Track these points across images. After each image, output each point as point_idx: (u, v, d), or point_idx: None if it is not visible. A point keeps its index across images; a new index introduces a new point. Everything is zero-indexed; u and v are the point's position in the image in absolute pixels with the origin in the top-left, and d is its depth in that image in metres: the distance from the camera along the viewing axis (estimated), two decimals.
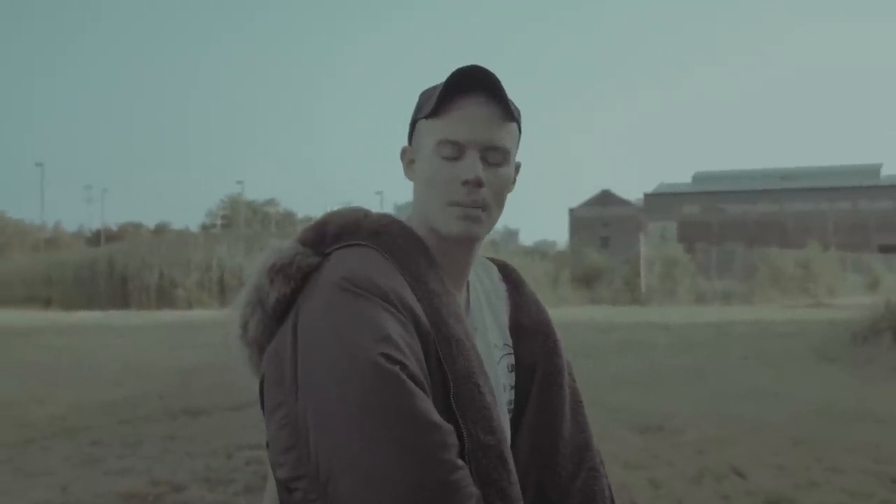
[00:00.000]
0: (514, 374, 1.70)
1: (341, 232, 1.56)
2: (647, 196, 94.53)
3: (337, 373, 1.33)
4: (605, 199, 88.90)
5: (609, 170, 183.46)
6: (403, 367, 1.33)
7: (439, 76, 1.59)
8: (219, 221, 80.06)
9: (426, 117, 1.60)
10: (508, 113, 1.59)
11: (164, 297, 31.20)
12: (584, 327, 19.40)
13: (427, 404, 1.32)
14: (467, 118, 1.56)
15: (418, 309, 1.45)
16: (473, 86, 1.57)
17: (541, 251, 49.10)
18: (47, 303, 32.27)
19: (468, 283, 1.70)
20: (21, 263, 39.93)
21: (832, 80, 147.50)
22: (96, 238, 70.82)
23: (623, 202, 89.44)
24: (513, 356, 1.71)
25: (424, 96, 1.63)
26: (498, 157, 1.58)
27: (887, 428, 8.61)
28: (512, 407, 1.68)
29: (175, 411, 9.56)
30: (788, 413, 9.37)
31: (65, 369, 13.24)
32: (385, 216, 1.61)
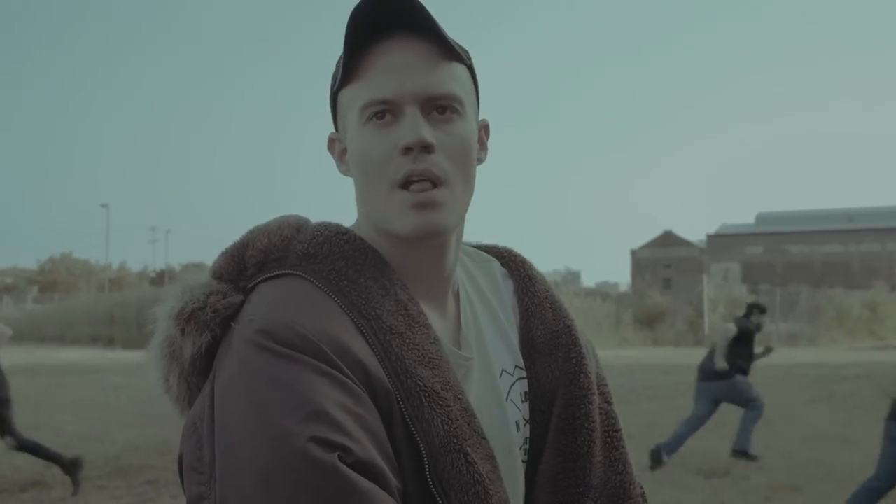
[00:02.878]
0: (528, 403, 1.33)
1: (264, 259, 1.21)
2: (709, 237, 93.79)
3: (260, 466, 1.00)
4: (668, 240, 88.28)
5: (671, 211, 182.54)
6: (346, 452, 0.99)
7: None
8: None
9: (343, 85, 1.24)
10: (448, 49, 1.21)
11: None
12: (647, 369, 19.18)
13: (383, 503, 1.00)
14: (393, 67, 1.19)
15: (369, 359, 1.10)
16: (389, 25, 1.19)
17: (602, 293, 48.76)
18: (110, 342, 32.61)
19: (456, 291, 1.34)
20: (86, 302, 40.54)
21: None
22: (160, 278, 71.75)
23: (685, 243, 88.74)
24: (526, 381, 1.34)
25: (337, 63, 1.26)
26: (449, 105, 1.20)
27: None
28: (527, 446, 1.32)
29: None
30: (858, 458, 9.08)
31: (123, 408, 13.28)
32: (324, 227, 1.24)
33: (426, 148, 1.17)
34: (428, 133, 1.17)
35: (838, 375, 18.15)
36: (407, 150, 1.17)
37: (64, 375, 18.99)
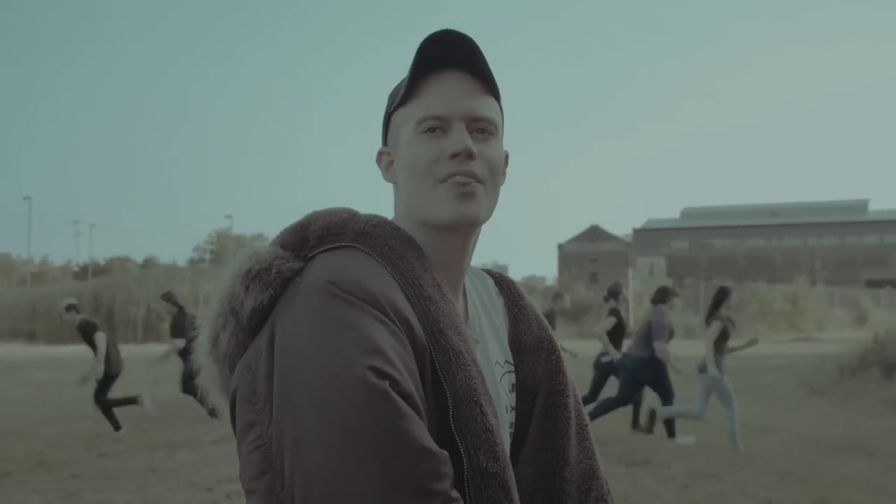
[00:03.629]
0: (514, 394, 1.54)
1: (325, 234, 1.38)
2: (635, 231, 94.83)
3: (317, 389, 1.15)
4: (594, 234, 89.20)
5: (598, 205, 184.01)
6: (395, 383, 1.15)
7: None
8: (207, 256, 80.00)
9: (400, 106, 1.46)
10: (491, 87, 1.47)
11: (150, 330, 31.07)
12: (573, 361, 19.31)
13: (419, 427, 1.15)
14: (445, 94, 1.42)
15: (413, 318, 1.28)
16: (449, 62, 1.43)
17: (530, 286, 49.02)
18: (32, 336, 32.08)
19: (465, 289, 1.56)
20: (7, 297, 39.72)
21: (820, 115, 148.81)
22: (84, 272, 70.63)
23: (612, 237, 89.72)
24: (514, 375, 1.56)
25: (395, 89, 1.50)
26: (487, 128, 1.44)
27: (876, 461, 8.55)
28: (513, 430, 1.52)
29: (156, 444, 9.46)
30: (777, 446, 9.32)
31: (46, 403, 13.12)
32: (374, 217, 1.43)
33: (470, 155, 1.40)
34: (471, 143, 1.40)
35: (759, 367, 18.46)
36: (454, 155, 1.39)
37: None
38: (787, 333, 36.15)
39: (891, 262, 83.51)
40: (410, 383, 1.19)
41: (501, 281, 1.70)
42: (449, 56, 1.42)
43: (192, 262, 72.75)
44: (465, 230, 1.44)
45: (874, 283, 66.62)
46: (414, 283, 1.34)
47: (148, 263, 77.12)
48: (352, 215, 1.43)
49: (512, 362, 1.57)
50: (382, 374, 1.15)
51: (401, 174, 1.46)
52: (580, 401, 1.62)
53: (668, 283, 41.17)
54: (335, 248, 1.36)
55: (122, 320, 31.34)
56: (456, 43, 1.41)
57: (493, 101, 1.47)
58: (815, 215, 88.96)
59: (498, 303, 1.64)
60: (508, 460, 1.32)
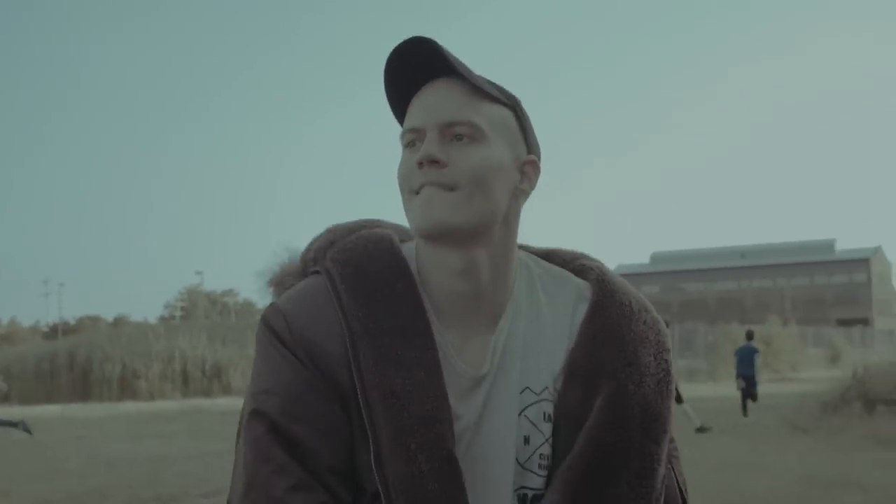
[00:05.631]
0: (550, 423, 1.39)
1: (317, 256, 1.46)
2: None
3: (243, 416, 1.38)
4: None
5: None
6: (274, 426, 1.31)
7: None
8: (178, 313, 79.49)
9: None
10: (474, 89, 1.37)
11: (126, 388, 30.69)
12: None
13: (280, 477, 1.28)
14: (423, 104, 1.37)
15: (339, 355, 1.31)
16: (424, 73, 1.38)
17: None
18: (6, 397, 31.65)
19: (499, 311, 1.43)
20: None
21: (785, 156, 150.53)
22: (53, 332, 70.01)
23: None
24: (551, 404, 1.40)
25: None
26: (467, 133, 1.35)
27: (870, 495, 8.61)
28: (547, 463, 1.39)
29: (145, 499, 9.35)
30: (767, 484, 9.34)
31: (29, 463, 12.92)
32: (363, 237, 1.44)
33: (435, 162, 1.33)
34: (436, 149, 1.34)
35: (740, 407, 18.54)
36: (419, 164, 1.34)
37: None
38: (763, 374, 36.25)
39: (860, 301, 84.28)
40: (300, 425, 1.30)
41: (599, 284, 1.48)
42: (419, 67, 1.37)
43: (163, 318, 72.23)
44: (443, 239, 1.35)
45: (845, 322, 66.98)
46: (354, 317, 1.33)
47: (119, 322, 76.48)
48: (343, 235, 1.47)
49: (556, 389, 1.41)
50: (261, 417, 1.32)
51: None
52: (677, 468, 1.50)
53: None
54: (313, 272, 1.44)
55: (97, 378, 30.97)
56: (420, 51, 1.36)
57: (483, 103, 1.38)
58: (783, 256, 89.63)
59: (578, 312, 1.46)
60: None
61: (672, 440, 1.47)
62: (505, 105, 1.42)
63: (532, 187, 1.45)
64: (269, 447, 1.29)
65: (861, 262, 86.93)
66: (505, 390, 1.39)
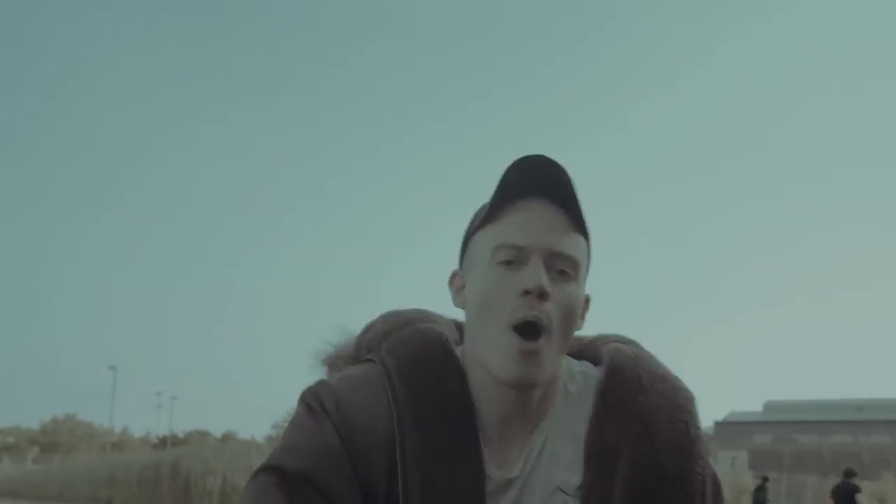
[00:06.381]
0: None
1: (371, 345, 1.44)
2: (717, 424, 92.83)
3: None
4: None
5: None
6: (288, 480, 1.28)
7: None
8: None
9: (480, 227, 1.37)
10: (579, 222, 1.35)
11: (225, 501, 31.02)
12: None
13: None
14: (530, 222, 1.32)
15: (380, 448, 1.29)
16: (535, 190, 1.33)
17: None
18: (109, 503, 32.23)
19: (541, 418, 1.40)
20: (87, 462, 40.23)
21: None
22: (162, 444, 71.04)
23: None
24: (578, 500, 1.35)
25: (480, 209, 1.42)
26: (567, 268, 1.32)
27: None
28: None
29: None
30: None
31: None
32: (430, 331, 1.42)
33: (542, 295, 1.28)
34: (546, 282, 1.29)
35: None
36: (526, 292, 1.28)
37: None
38: None
39: None
40: (312, 491, 1.26)
41: (608, 365, 1.43)
42: (536, 182, 1.33)
43: (270, 438, 72.79)
44: (523, 391, 1.34)
45: None
46: (407, 407, 1.31)
47: (226, 437, 77.27)
48: (399, 327, 1.45)
49: (579, 484, 1.35)
50: (277, 470, 1.29)
51: (469, 301, 1.38)
52: None
53: (748, 475, 40.22)
54: (367, 360, 1.41)
55: (198, 490, 31.39)
56: (546, 169, 1.32)
57: (579, 238, 1.36)
58: None
59: (588, 396, 1.42)
60: None
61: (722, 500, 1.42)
62: (586, 237, 1.39)
63: (583, 324, 1.42)
64: (275, 498, 1.27)
65: None
66: (534, 493, 1.35)
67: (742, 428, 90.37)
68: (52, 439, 74.19)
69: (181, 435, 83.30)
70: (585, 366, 1.47)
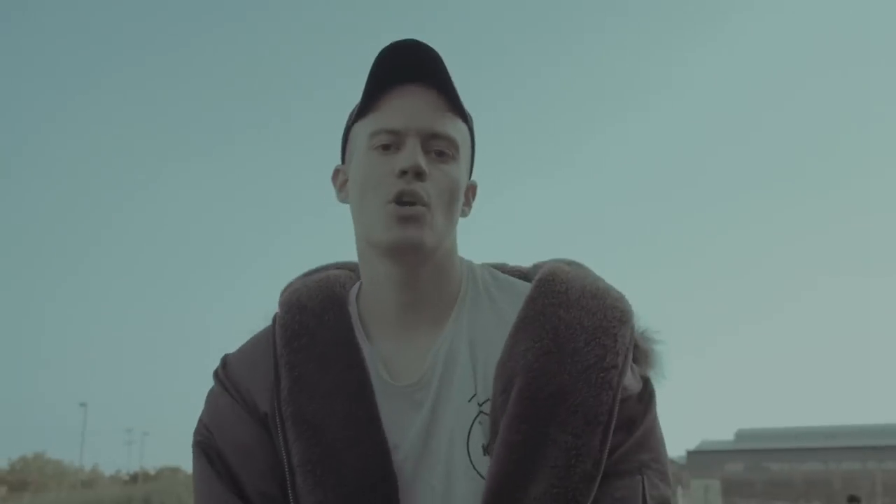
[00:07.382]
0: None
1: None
2: (689, 453, 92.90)
3: None
4: None
5: None
6: (205, 443, 1.41)
7: None
8: None
9: (357, 118, 1.39)
10: (455, 104, 1.36)
11: None
12: None
13: (210, 484, 1.37)
14: (403, 107, 1.33)
15: (263, 394, 1.37)
16: (410, 75, 1.34)
17: None
18: None
19: (445, 322, 1.40)
20: (57, 501, 39.71)
21: (876, 335, 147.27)
22: (133, 481, 70.27)
23: None
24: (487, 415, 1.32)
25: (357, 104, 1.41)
26: (445, 149, 1.34)
27: None
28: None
29: None
30: None
31: None
32: (323, 276, 1.50)
33: (419, 175, 1.30)
34: (423, 162, 1.30)
35: None
36: (402, 172, 1.29)
37: None
38: None
39: None
40: (228, 451, 1.38)
41: (541, 278, 1.38)
42: (410, 68, 1.34)
43: None
44: (406, 256, 1.33)
45: None
46: (281, 354, 1.37)
47: None
48: (298, 279, 1.53)
49: (490, 397, 1.32)
50: (197, 448, 1.41)
51: (351, 192, 1.39)
52: (643, 482, 1.30)
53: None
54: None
55: None
56: (419, 54, 1.33)
57: (458, 121, 1.37)
58: (873, 439, 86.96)
59: (513, 315, 1.35)
60: None
61: (653, 451, 1.35)
62: (466, 123, 1.41)
63: (469, 212, 1.45)
64: (207, 476, 1.38)
65: None
66: (452, 400, 1.34)
67: (714, 457, 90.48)
68: (21, 478, 73.14)
69: (152, 472, 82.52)
70: (513, 280, 1.47)
